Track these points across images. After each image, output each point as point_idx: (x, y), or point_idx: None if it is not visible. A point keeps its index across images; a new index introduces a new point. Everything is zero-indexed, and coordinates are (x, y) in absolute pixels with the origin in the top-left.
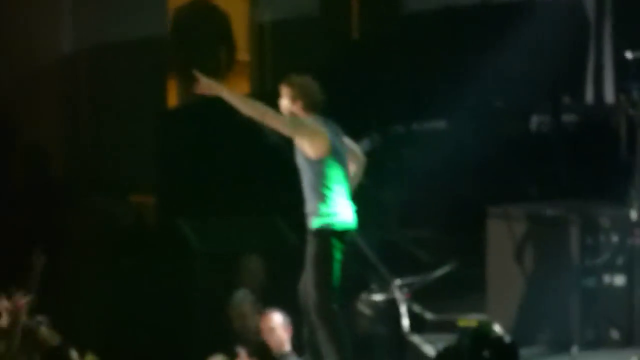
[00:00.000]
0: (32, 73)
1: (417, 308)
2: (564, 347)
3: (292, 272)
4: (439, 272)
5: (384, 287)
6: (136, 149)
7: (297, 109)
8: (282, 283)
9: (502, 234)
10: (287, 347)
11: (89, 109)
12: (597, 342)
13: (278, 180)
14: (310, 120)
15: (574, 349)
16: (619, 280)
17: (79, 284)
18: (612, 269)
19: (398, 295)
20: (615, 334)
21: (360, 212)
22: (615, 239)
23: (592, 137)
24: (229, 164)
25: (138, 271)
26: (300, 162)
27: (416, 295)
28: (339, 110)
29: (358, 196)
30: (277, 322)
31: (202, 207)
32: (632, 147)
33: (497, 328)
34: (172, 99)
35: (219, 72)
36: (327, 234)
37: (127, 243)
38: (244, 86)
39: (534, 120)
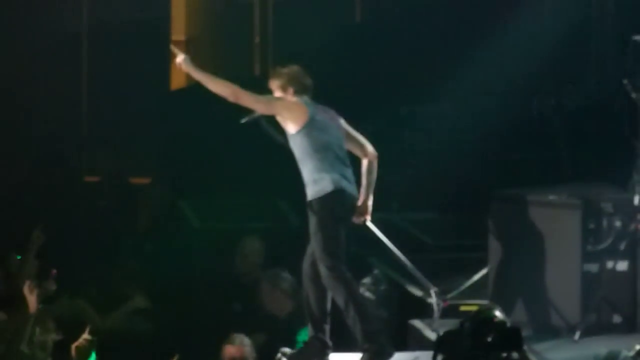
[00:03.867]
0: (36, 51)
1: (419, 292)
2: (567, 333)
3: (291, 252)
4: (476, 276)
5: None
6: (137, 130)
7: (290, 95)
8: (281, 263)
9: (504, 218)
10: None
11: (90, 88)
12: (599, 328)
13: (280, 162)
14: (289, 97)
15: (577, 335)
16: (622, 265)
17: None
18: (615, 254)
19: (435, 301)
20: (617, 320)
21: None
22: (618, 223)
23: (595, 121)
24: (232, 145)
25: (141, 251)
26: (290, 143)
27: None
28: (342, 92)
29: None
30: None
31: (204, 188)
32: (635, 131)
33: (499, 313)
34: (176, 80)
35: None
36: (321, 200)
37: (131, 223)
38: None
39: (536, 104)
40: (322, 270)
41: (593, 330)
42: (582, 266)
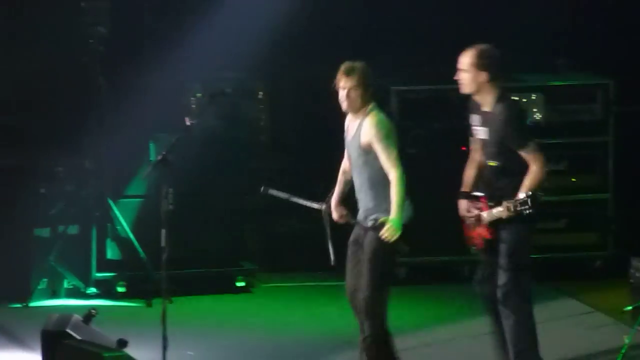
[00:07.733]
0: None
1: None
2: (22, 299)
3: None
4: None
5: None
6: None
7: (368, 96)
8: None
9: None
10: None
11: None
12: (53, 293)
13: None
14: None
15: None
16: (73, 229)
17: None
18: (67, 218)
19: None
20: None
21: None
22: (70, 188)
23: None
24: None
25: None
26: (362, 160)
27: None
28: None
29: None
30: None
31: None
32: (85, 95)
33: None
34: None
35: None
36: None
37: None
38: None
39: None
40: (362, 299)
41: (45, 294)
42: (34, 231)
